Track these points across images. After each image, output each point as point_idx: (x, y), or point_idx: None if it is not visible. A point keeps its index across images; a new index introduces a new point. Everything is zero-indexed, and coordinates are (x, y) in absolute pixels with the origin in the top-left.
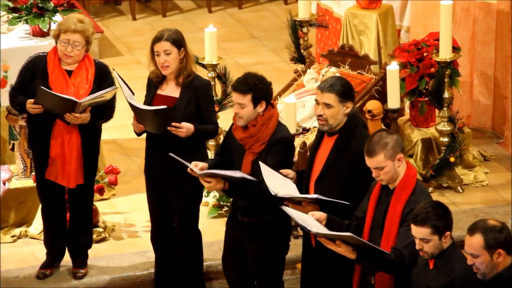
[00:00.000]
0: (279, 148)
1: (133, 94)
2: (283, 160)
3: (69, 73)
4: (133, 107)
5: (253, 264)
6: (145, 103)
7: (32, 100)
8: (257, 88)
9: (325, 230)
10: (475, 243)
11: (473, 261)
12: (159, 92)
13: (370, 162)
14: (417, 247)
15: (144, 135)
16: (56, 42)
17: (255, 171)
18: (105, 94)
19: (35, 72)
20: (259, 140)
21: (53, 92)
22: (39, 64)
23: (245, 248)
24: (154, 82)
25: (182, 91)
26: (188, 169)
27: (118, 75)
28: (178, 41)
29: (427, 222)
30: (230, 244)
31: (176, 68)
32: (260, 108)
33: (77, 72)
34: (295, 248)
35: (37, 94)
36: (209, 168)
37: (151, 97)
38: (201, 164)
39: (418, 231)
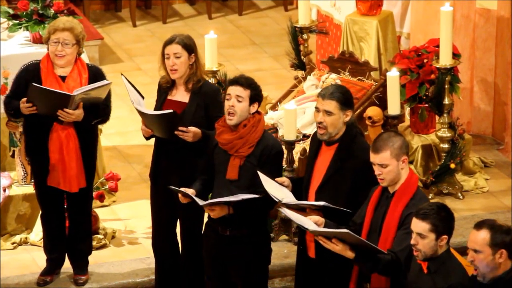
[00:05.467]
0: (276, 159)
1: (143, 98)
2: (280, 170)
3: (63, 78)
4: (140, 112)
5: (238, 278)
6: (155, 109)
7: (25, 99)
8: (255, 87)
9: (322, 229)
10: (480, 238)
11: (474, 257)
12: (169, 97)
13: (375, 158)
14: (412, 241)
15: (152, 140)
16: (48, 47)
17: (243, 176)
18: (99, 92)
19: (29, 80)
20: (247, 143)
21: (45, 87)
22: (33, 71)
23: (227, 263)
24: (164, 88)
25: (191, 97)
26: (181, 197)
27: (127, 79)
28: (189, 46)
29: (428, 217)
30: (212, 258)
31: (184, 73)
32: (253, 108)
33: (71, 77)
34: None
35: (29, 91)
36: (198, 192)
37: (161, 102)
38: (190, 191)
39: (417, 225)
